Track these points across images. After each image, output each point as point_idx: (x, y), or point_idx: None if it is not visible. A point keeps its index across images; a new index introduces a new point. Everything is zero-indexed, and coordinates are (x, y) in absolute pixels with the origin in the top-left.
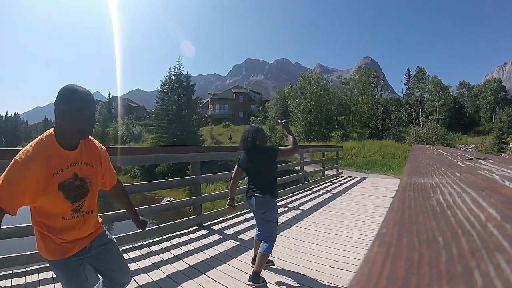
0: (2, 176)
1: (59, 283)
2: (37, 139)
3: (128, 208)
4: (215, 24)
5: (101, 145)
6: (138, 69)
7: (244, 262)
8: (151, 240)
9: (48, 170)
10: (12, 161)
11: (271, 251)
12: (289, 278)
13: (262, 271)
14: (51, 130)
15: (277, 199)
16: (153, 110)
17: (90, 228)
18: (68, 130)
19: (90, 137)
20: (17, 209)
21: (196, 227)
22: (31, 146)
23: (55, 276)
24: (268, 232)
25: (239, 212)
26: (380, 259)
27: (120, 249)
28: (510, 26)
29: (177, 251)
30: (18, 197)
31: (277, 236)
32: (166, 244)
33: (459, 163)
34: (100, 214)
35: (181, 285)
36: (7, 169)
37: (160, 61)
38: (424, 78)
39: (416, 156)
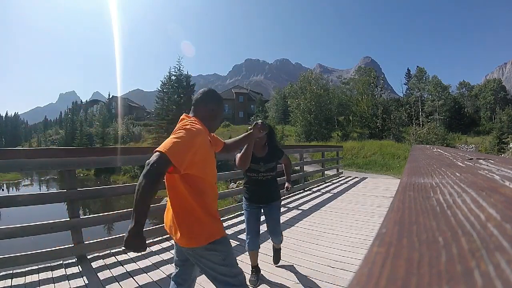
0: (177, 138)
1: (60, 282)
2: (190, 120)
3: (243, 138)
4: (215, 24)
5: None
6: (138, 69)
7: (244, 262)
8: (151, 240)
9: (208, 141)
10: (184, 129)
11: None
12: (289, 278)
13: (262, 271)
14: (192, 117)
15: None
16: (153, 110)
17: None
18: (216, 121)
19: None
20: (183, 165)
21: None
22: (192, 123)
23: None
24: None
25: (239, 212)
26: (380, 259)
27: (121, 249)
28: (510, 26)
29: None
30: (187, 155)
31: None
32: (166, 244)
33: (459, 163)
34: (100, 214)
35: None
36: (179, 135)
37: (160, 61)
38: (424, 78)
39: (416, 156)
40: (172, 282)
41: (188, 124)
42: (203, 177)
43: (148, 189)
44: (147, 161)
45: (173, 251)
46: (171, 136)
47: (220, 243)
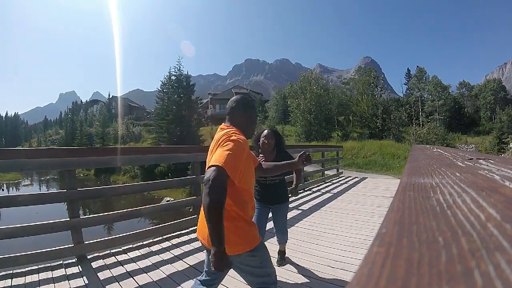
0: (228, 150)
1: (60, 282)
2: (232, 131)
3: (282, 166)
4: (215, 24)
5: None
6: (138, 69)
7: None
8: (151, 240)
9: (249, 151)
10: (232, 141)
11: None
12: (289, 278)
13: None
14: (232, 127)
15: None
16: (153, 110)
17: None
18: (252, 127)
19: None
20: (237, 178)
21: (196, 227)
22: (237, 134)
23: (60, 275)
24: None
25: None
26: (380, 259)
27: (121, 249)
28: (510, 26)
29: (177, 251)
30: (240, 168)
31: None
32: (166, 244)
33: (459, 163)
34: (100, 214)
35: (181, 285)
36: (229, 146)
37: (160, 61)
38: (424, 78)
39: (416, 156)
40: (198, 282)
41: (233, 135)
42: (246, 188)
43: (219, 206)
44: (206, 178)
45: (173, 251)
46: (221, 149)
47: (258, 249)
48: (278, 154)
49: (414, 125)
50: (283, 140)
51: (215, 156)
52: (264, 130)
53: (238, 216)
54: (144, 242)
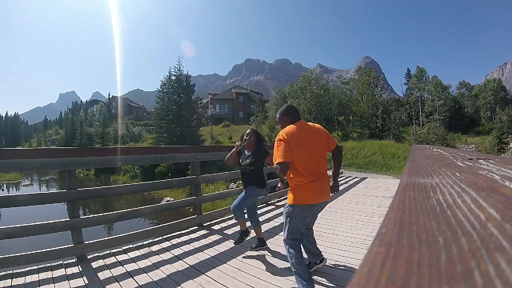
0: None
1: (60, 282)
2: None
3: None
4: (215, 24)
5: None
6: (138, 69)
7: (244, 262)
8: (151, 240)
9: None
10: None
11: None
12: (289, 278)
13: (261, 273)
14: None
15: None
16: (153, 110)
17: None
18: None
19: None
20: None
21: (196, 227)
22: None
23: (53, 276)
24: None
25: None
26: (380, 259)
27: (121, 249)
28: (510, 26)
29: (177, 251)
30: None
31: (277, 236)
32: (166, 244)
33: (459, 163)
34: (100, 214)
35: (181, 285)
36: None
37: (160, 61)
38: (424, 78)
39: (416, 156)
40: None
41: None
42: None
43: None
44: (339, 148)
45: (173, 251)
46: (329, 135)
47: None
48: (257, 147)
49: (414, 125)
50: (261, 138)
51: (334, 140)
52: (247, 130)
53: None
54: (144, 242)
